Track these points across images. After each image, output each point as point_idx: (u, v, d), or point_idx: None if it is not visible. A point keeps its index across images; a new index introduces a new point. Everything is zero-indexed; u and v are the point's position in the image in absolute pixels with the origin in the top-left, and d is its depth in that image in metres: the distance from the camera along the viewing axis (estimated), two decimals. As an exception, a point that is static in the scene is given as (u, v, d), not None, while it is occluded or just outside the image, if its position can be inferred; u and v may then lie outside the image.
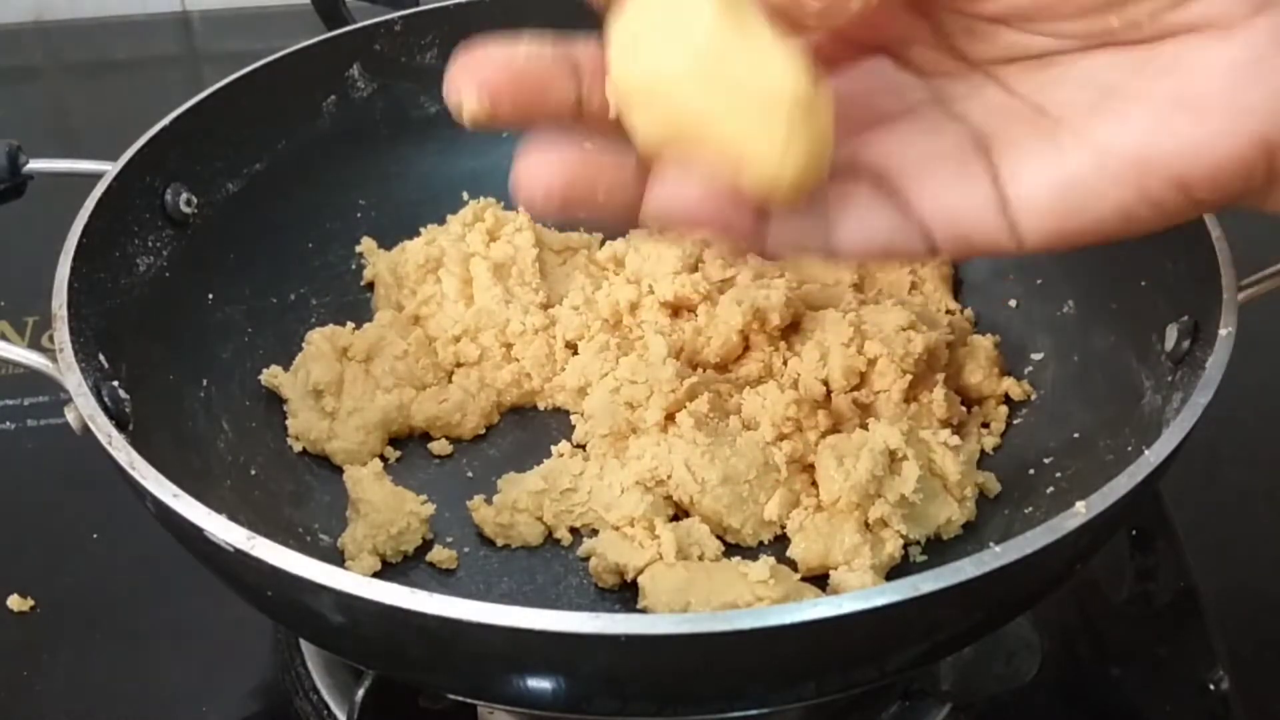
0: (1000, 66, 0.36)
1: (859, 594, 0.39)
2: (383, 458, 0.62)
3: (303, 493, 0.60)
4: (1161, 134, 0.33)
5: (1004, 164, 0.35)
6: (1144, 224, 0.34)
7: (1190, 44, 0.33)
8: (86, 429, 0.47)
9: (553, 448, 0.62)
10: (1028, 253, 0.36)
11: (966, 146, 0.36)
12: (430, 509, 0.58)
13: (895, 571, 0.56)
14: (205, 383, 0.61)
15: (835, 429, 0.60)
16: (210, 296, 0.64)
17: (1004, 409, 0.63)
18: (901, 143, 0.36)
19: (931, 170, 0.36)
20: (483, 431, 0.64)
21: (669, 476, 0.58)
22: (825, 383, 0.61)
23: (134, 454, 0.45)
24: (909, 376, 0.61)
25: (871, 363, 0.61)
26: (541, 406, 0.65)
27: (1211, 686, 0.58)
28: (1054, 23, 0.34)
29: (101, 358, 0.53)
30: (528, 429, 0.65)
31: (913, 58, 0.37)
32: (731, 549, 0.58)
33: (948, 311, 0.67)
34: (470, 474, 0.62)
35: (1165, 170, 0.33)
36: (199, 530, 0.43)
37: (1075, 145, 0.34)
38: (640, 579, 0.55)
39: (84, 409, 0.47)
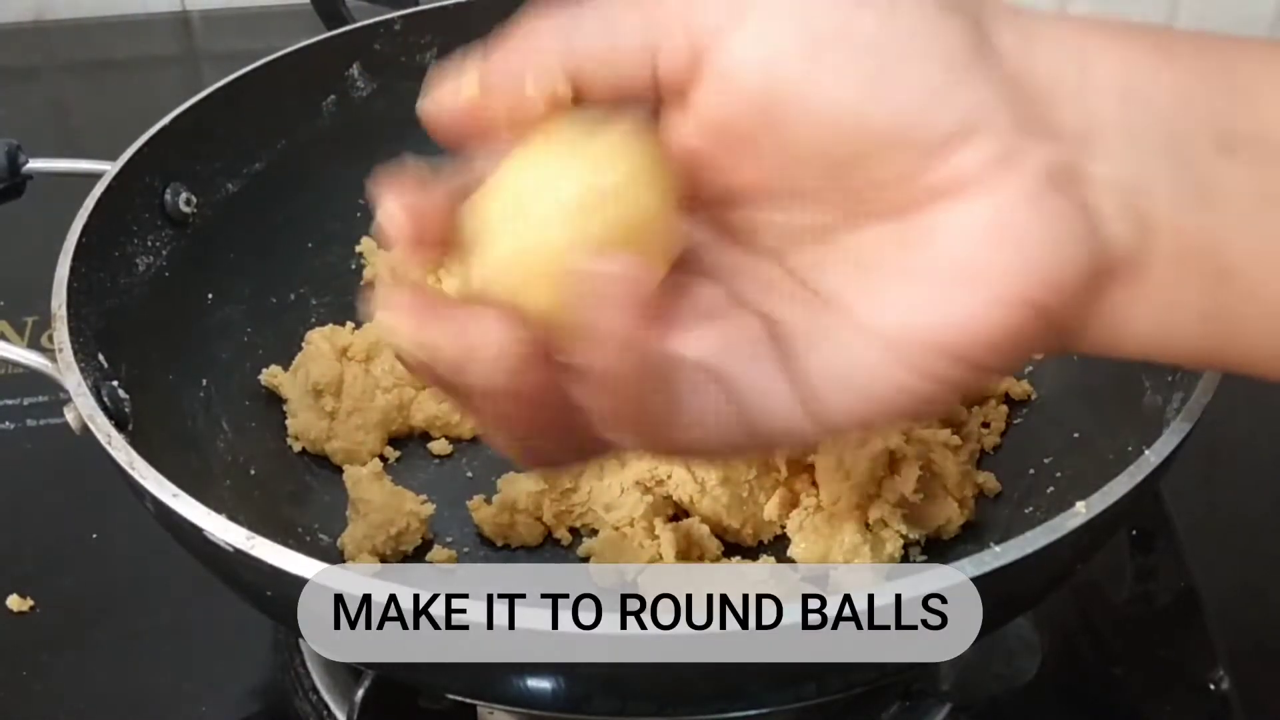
0: (781, 249, 0.35)
1: (859, 594, 0.39)
2: (382, 458, 0.62)
3: (302, 493, 0.60)
4: (923, 310, 0.32)
5: (794, 355, 0.34)
6: (935, 400, 0.33)
7: (942, 210, 0.31)
8: (86, 429, 0.47)
9: (553, 448, 0.62)
10: (841, 434, 0.35)
11: (760, 336, 0.34)
12: (430, 509, 0.58)
13: (896, 572, 0.56)
14: (205, 382, 0.61)
15: (835, 429, 0.60)
16: (210, 296, 0.64)
17: (1004, 409, 0.63)
18: (705, 339, 0.34)
19: (744, 368, 0.34)
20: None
21: (669, 476, 0.58)
22: (825, 383, 0.61)
23: (133, 454, 0.45)
24: (909, 376, 0.61)
25: (871, 363, 0.61)
26: (541, 406, 0.65)
27: (1212, 686, 0.57)
28: (800, 197, 0.33)
29: (101, 357, 0.53)
30: (528, 429, 0.64)
31: (704, 256, 0.36)
32: (731, 549, 0.57)
33: (948, 311, 0.67)
34: (470, 474, 0.62)
35: (934, 347, 0.32)
36: (198, 530, 0.43)
37: (846, 328, 0.33)
38: (640, 579, 0.55)
39: (83, 409, 0.47)
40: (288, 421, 0.63)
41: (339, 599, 0.40)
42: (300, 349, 0.65)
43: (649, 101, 0.34)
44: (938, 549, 0.57)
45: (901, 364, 0.32)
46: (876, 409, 0.33)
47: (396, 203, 0.35)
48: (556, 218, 0.32)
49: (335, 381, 0.63)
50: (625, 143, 0.33)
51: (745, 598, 0.52)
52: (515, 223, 0.33)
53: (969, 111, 0.31)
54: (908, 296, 0.32)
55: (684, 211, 0.34)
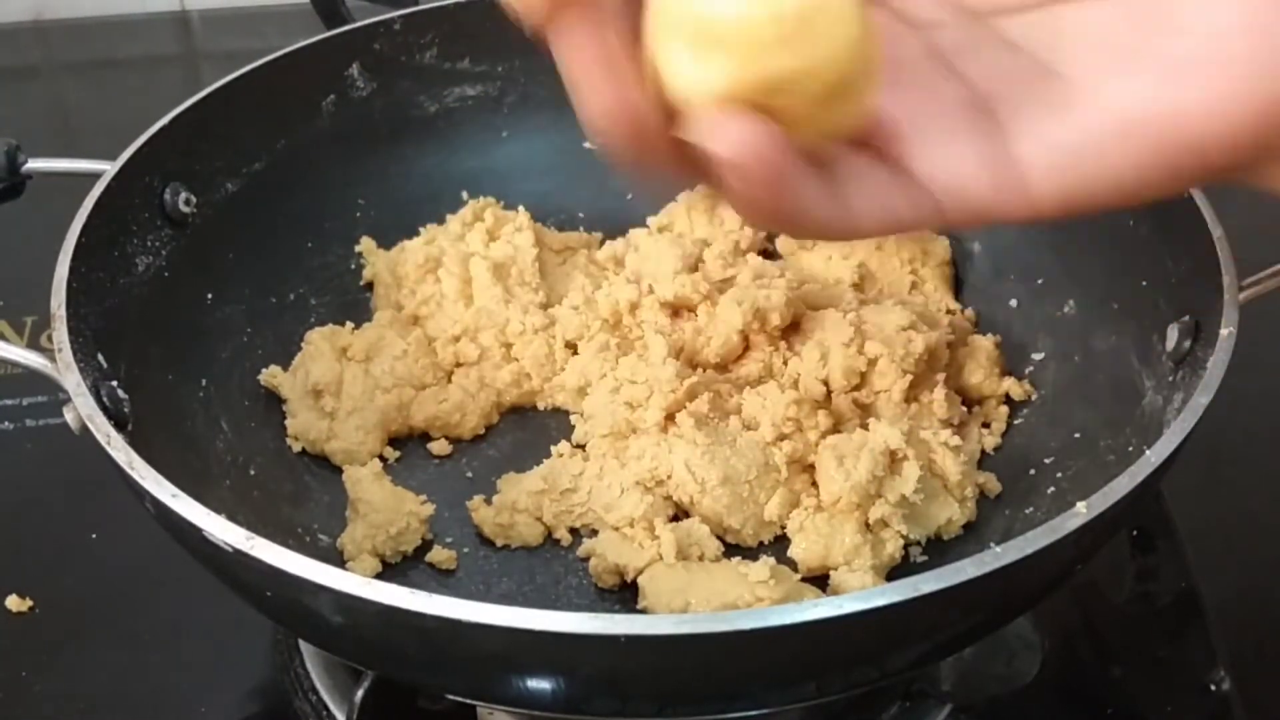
0: (1000, 17, 0.34)
1: (859, 594, 0.39)
2: (382, 458, 0.62)
3: (302, 493, 0.60)
4: (1177, 95, 0.31)
5: (1011, 124, 0.33)
6: (1158, 188, 0.33)
7: (1200, 2, 0.31)
8: (85, 429, 0.47)
9: (552, 448, 0.62)
10: (1041, 218, 0.34)
11: (969, 105, 0.34)
12: (430, 509, 0.58)
13: (896, 572, 0.56)
14: (204, 382, 0.61)
15: (835, 429, 0.60)
16: (209, 296, 0.64)
17: (1004, 409, 0.63)
18: (899, 103, 0.34)
19: (933, 132, 0.34)
20: (482, 431, 0.64)
21: (669, 477, 0.58)
22: (825, 383, 0.61)
23: (133, 454, 0.45)
24: (909, 376, 0.61)
25: (872, 363, 0.61)
26: (541, 406, 0.65)
27: (1212, 687, 0.57)
28: None
29: (100, 358, 0.53)
30: (527, 429, 0.65)
31: (906, 5, 0.36)
32: (731, 549, 0.57)
33: (948, 311, 0.67)
34: (470, 474, 0.62)
35: (1181, 133, 0.32)
36: (198, 530, 0.43)
37: (1088, 106, 0.32)
38: (640, 579, 0.55)
39: (83, 409, 0.47)
40: (287, 422, 0.63)
41: (338, 599, 0.40)
42: (300, 349, 0.65)
43: None
44: (938, 549, 0.57)
45: (1141, 146, 0.32)
46: (1100, 189, 0.33)
47: None
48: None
49: (335, 381, 0.63)
50: None
51: (745, 598, 0.52)
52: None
53: None
54: (1150, 77, 0.32)
55: None
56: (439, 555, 0.57)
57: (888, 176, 0.34)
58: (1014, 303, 0.67)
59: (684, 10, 0.32)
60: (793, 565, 0.56)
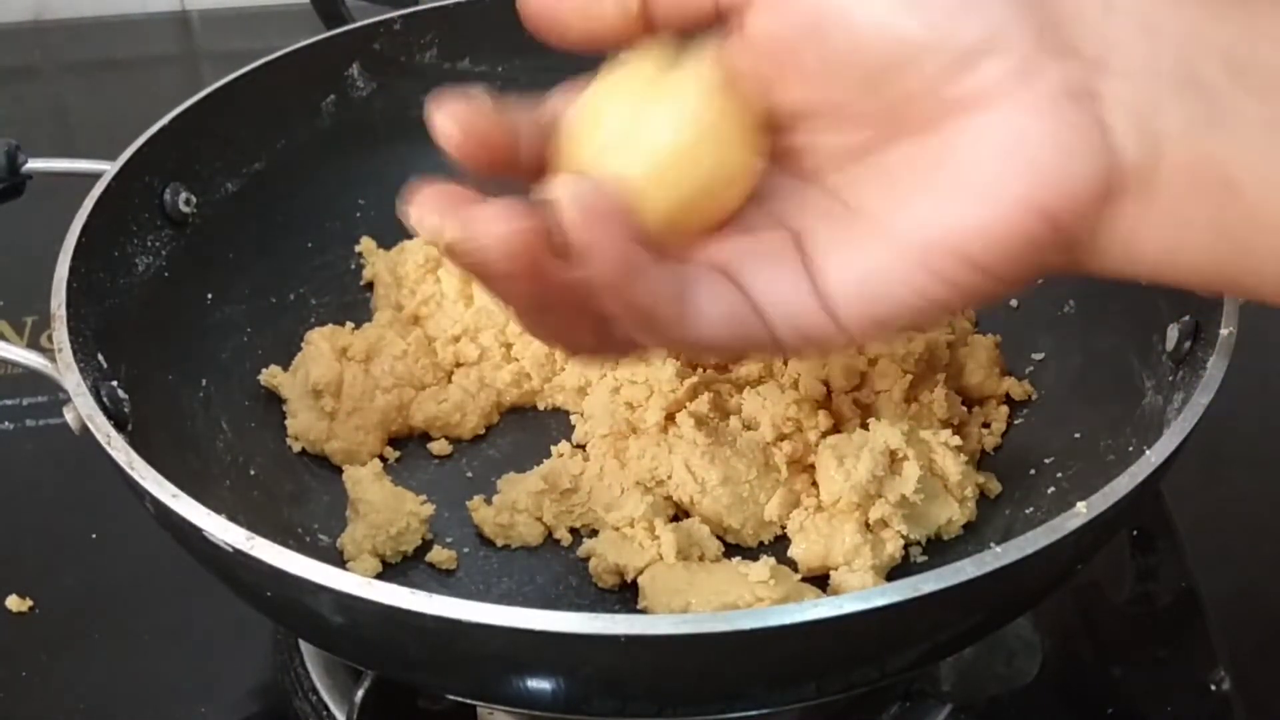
0: (821, 170, 0.37)
1: (859, 594, 0.39)
2: (382, 458, 0.62)
3: (302, 493, 0.60)
4: (941, 217, 0.34)
5: (814, 258, 0.37)
6: (951, 303, 0.35)
7: (965, 123, 0.34)
8: (85, 429, 0.47)
9: (553, 448, 0.62)
10: (855, 343, 0.39)
11: (787, 247, 0.37)
12: (430, 509, 0.58)
13: (896, 572, 0.56)
14: (204, 382, 0.61)
15: (835, 429, 0.60)
16: (209, 296, 0.64)
17: (1005, 409, 0.63)
18: (731, 246, 0.38)
19: (759, 270, 0.37)
20: (482, 431, 0.64)
21: (669, 477, 0.58)
22: (825, 383, 0.61)
23: (133, 454, 0.45)
24: (909, 376, 0.61)
25: (872, 363, 0.61)
26: (541, 406, 0.65)
27: (1213, 687, 0.57)
28: (839, 115, 0.36)
29: (100, 358, 0.53)
30: (528, 429, 0.65)
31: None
32: (732, 549, 0.57)
33: (948, 311, 0.67)
34: (470, 474, 0.62)
35: (950, 251, 0.34)
36: (198, 530, 0.43)
37: (868, 235, 0.36)
38: (640, 579, 0.55)
39: (83, 409, 0.47)
40: (287, 422, 0.63)
41: (339, 599, 0.40)
42: (300, 349, 0.65)
43: (707, 29, 0.37)
44: (938, 549, 0.57)
45: (917, 266, 0.35)
46: (891, 311, 0.36)
47: (448, 116, 0.40)
48: (639, 161, 0.37)
49: (335, 382, 0.63)
50: (707, 84, 0.37)
51: (746, 598, 0.52)
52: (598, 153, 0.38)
53: (993, 27, 0.33)
54: (928, 204, 0.35)
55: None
56: (439, 555, 0.57)
57: (735, 293, 0.37)
58: (1014, 303, 0.67)
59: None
60: (793, 565, 0.56)
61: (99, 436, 0.46)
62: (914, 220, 0.35)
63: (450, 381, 0.65)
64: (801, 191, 0.38)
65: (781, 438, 0.59)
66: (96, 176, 0.58)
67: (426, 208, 0.38)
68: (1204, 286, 0.39)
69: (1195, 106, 0.33)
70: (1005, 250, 0.34)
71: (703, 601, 0.52)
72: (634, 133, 0.37)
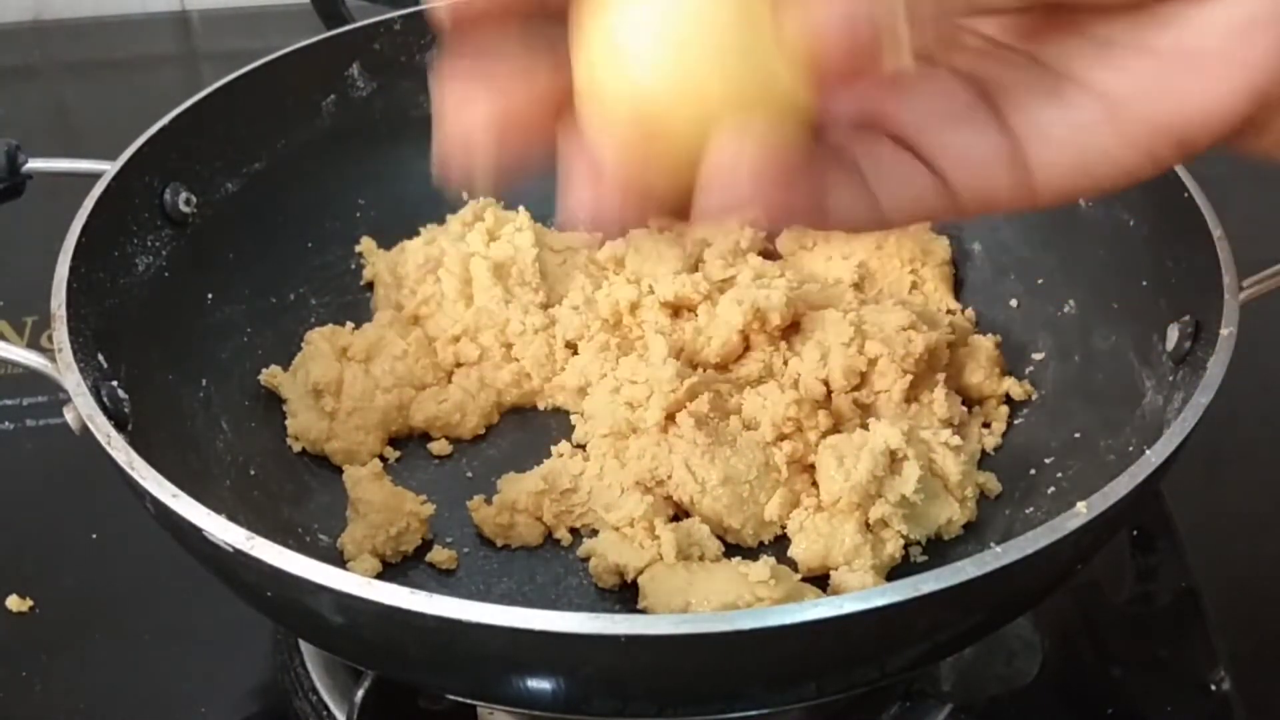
0: (988, 17, 0.36)
1: (859, 594, 0.39)
2: (382, 458, 0.62)
3: (302, 493, 0.60)
4: (1164, 87, 0.33)
5: (1014, 119, 0.35)
6: (1143, 175, 0.35)
7: (1188, 4, 0.33)
8: (85, 429, 0.47)
9: (553, 448, 0.62)
10: (1042, 207, 0.36)
11: (977, 103, 0.35)
12: (430, 509, 0.58)
13: (896, 572, 0.56)
14: (204, 382, 0.61)
15: (836, 429, 0.60)
16: (209, 296, 0.64)
17: (1005, 409, 0.63)
18: (913, 101, 0.35)
19: (948, 128, 0.35)
20: (482, 431, 0.64)
21: (669, 477, 0.58)
22: (825, 383, 0.61)
23: (133, 454, 0.45)
24: (909, 376, 0.61)
25: (872, 363, 0.61)
26: (541, 406, 0.65)
27: (1212, 687, 0.57)
28: None
29: (100, 358, 0.53)
30: (528, 429, 0.65)
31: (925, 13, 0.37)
32: (732, 549, 0.57)
33: (948, 311, 0.67)
34: (470, 474, 0.62)
35: (1164, 127, 0.33)
36: (198, 530, 0.43)
37: (1082, 99, 0.34)
38: (640, 579, 0.55)
39: (83, 409, 0.47)
40: (287, 422, 0.63)
41: (338, 599, 0.40)
42: (300, 349, 0.65)
43: None
44: (938, 549, 0.57)
45: (1134, 142, 0.34)
46: (1093, 183, 0.35)
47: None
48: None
49: (335, 382, 0.63)
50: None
51: (746, 598, 0.52)
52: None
53: None
54: (1146, 73, 0.33)
55: None
56: (439, 555, 0.57)
57: (910, 168, 0.35)
58: (1014, 303, 0.67)
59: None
60: (793, 565, 0.56)
61: (99, 436, 0.46)
62: (1127, 87, 0.33)
63: (450, 381, 0.65)
64: (985, 48, 0.35)
65: (781, 438, 0.59)
66: (96, 176, 0.58)
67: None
68: None
69: None
70: (1216, 130, 0.33)
71: (703, 601, 0.52)
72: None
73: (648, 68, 0.32)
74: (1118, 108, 0.34)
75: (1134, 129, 0.34)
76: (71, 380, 0.48)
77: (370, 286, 0.70)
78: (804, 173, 0.33)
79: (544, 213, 0.73)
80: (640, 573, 0.55)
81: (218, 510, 0.43)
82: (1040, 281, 0.66)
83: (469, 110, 0.34)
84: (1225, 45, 0.32)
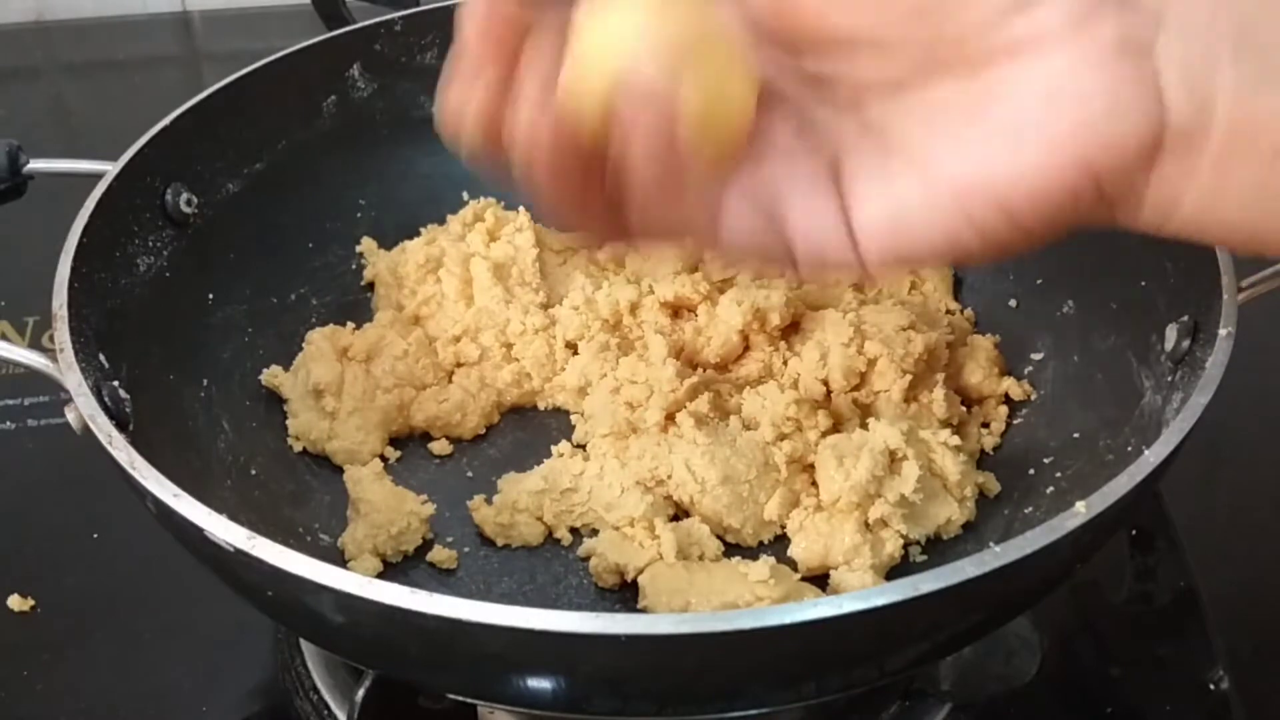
0: (858, 101, 0.36)
1: (859, 594, 0.39)
2: (383, 458, 0.62)
3: (303, 493, 0.60)
4: (983, 162, 0.34)
5: (848, 189, 0.36)
6: (974, 251, 0.35)
7: (1014, 67, 0.33)
8: (87, 429, 0.47)
9: (553, 448, 0.62)
10: (871, 274, 0.37)
11: (821, 172, 0.37)
12: (430, 509, 0.58)
13: (895, 571, 0.56)
14: (205, 383, 0.61)
15: (835, 429, 0.60)
16: (210, 296, 0.64)
17: (1004, 409, 0.63)
18: (769, 168, 0.37)
19: (790, 194, 0.37)
20: (483, 431, 0.64)
21: (669, 476, 0.58)
22: (825, 383, 0.61)
23: (134, 454, 0.45)
24: (909, 376, 0.61)
25: (871, 363, 0.61)
26: (541, 406, 0.65)
27: (1211, 686, 0.58)
28: (882, 47, 0.34)
29: (102, 358, 0.53)
30: (528, 429, 0.65)
31: (783, 102, 0.38)
32: (731, 549, 0.58)
33: (948, 311, 0.67)
34: (470, 474, 0.62)
35: (987, 197, 0.34)
36: (199, 530, 0.43)
37: (905, 172, 0.35)
38: (640, 579, 0.55)
39: (84, 409, 0.47)
40: (288, 422, 0.63)
41: (339, 599, 0.40)
42: (300, 349, 0.65)
43: None
44: (938, 549, 0.57)
45: (951, 209, 0.34)
46: (913, 250, 0.36)
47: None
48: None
49: (336, 382, 0.63)
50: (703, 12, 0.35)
51: (745, 597, 0.52)
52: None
53: None
54: (968, 147, 0.34)
55: (771, 60, 0.36)
56: (440, 555, 0.57)
57: (757, 214, 0.37)
58: (1013, 302, 0.67)
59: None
60: (793, 565, 0.56)
61: (100, 436, 0.46)
62: (953, 162, 0.34)
63: (451, 381, 0.65)
64: (839, 120, 0.37)
65: (781, 438, 0.59)
66: (98, 177, 0.58)
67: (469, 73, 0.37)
68: (1234, 244, 0.38)
69: (1250, 67, 0.32)
70: (1043, 202, 0.33)
71: (703, 601, 0.52)
72: (643, 31, 0.35)
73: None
74: (931, 175, 0.34)
75: (945, 194, 0.34)
76: (73, 380, 0.49)
77: (371, 287, 0.70)
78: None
79: (544, 213, 0.73)
80: (640, 572, 0.55)
81: (219, 510, 0.43)
82: (1039, 281, 0.66)
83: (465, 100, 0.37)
84: (1040, 115, 0.33)
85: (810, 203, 0.37)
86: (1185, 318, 0.53)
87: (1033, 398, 0.64)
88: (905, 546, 0.56)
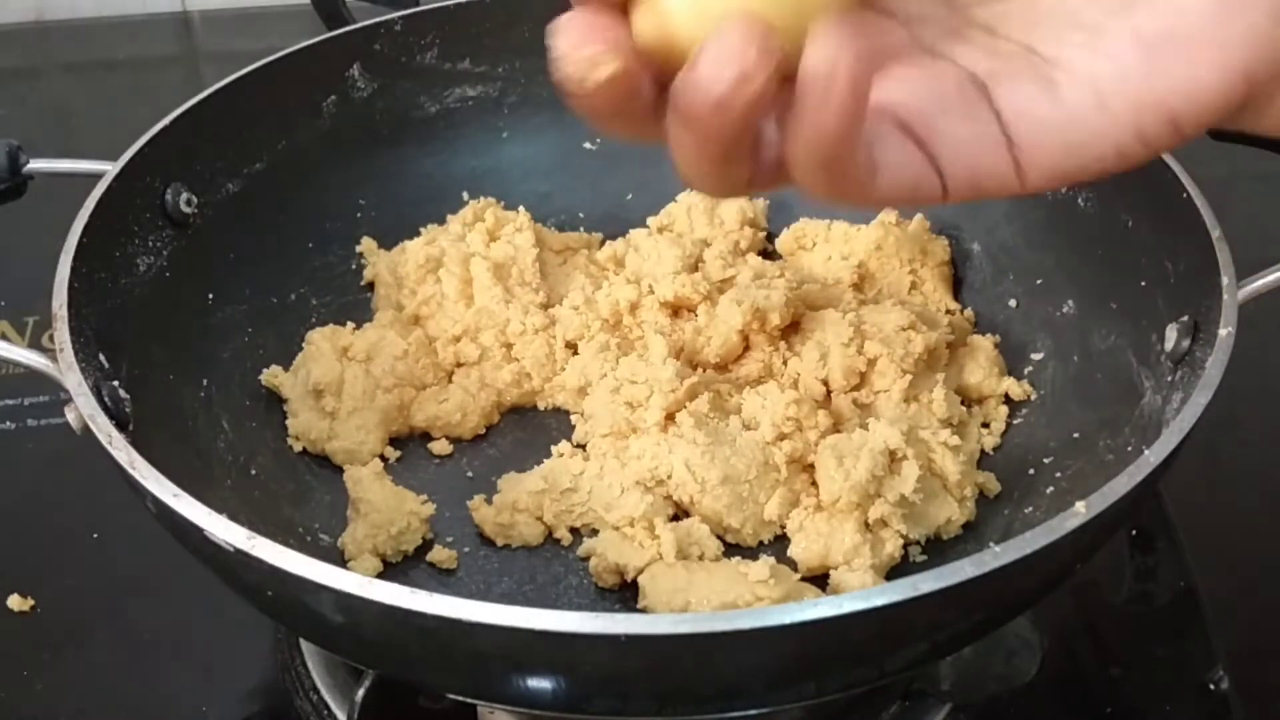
0: (977, 7, 0.36)
1: (859, 594, 0.39)
2: (383, 457, 0.62)
3: (303, 493, 0.60)
4: (1154, 73, 0.33)
5: (1005, 105, 0.35)
6: (1134, 160, 0.35)
7: None
8: (87, 429, 0.47)
9: (553, 448, 0.62)
10: (1029, 192, 0.36)
11: (968, 88, 0.35)
12: (430, 509, 0.58)
13: (895, 571, 0.56)
14: (205, 383, 0.61)
15: (835, 429, 0.60)
16: (210, 296, 0.64)
17: (1004, 409, 0.63)
18: (907, 86, 0.35)
19: (941, 113, 0.35)
20: (483, 431, 0.64)
21: (669, 476, 0.58)
22: (825, 383, 0.61)
23: (134, 454, 0.45)
24: (909, 376, 0.61)
25: (871, 363, 0.61)
26: (541, 406, 0.65)
27: (1211, 687, 0.58)
28: None
29: (101, 358, 0.53)
30: (528, 429, 0.65)
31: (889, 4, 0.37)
32: (731, 549, 0.58)
33: (948, 311, 0.67)
34: (470, 474, 0.62)
35: (1160, 110, 0.33)
36: (199, 530, 0.43)
37: (1072, 85, 0.34)
38: (640, 579, 0.55)
39: (84, 409, 0.47)
40: (288, 421, 0.63)
41: (339, 599, 0.40)
42: (300, 349, 0.65)
43: None
44: (938, 549, 0.57)
45: (1121, 123, 0.34)
46: (1082, 165, 0.35)
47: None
48: None
49: (336, 381, 0.63)
50: None
51: (745, 597, 0.52)
52: None
53: None
54: (1137, 58, 0.33)
55: None
56: (440, 555, 0.57)
57: (907, 151, 0.35)
58: (1013, 303, 0.67)
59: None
60: (792, 565, 0.56)
61: (100, 436, 0.46)
62: (1123, 74, 0.33)
63: (451, 381, 0.65)
64: (970, 33, 0.35)
65: (781, 437, 0.59)
66: (98, 177, 0.58)
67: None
68: None
69: None
70: (1206, 111, 0.33)
71: (702, 601, 0.52)
72: None
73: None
74: (1104, 90, 0.34)
75: (1120, 110, 0.34)
76: (73, 380, 0.49)
77: (371, 287, 0.70)
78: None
79: (544, 213, 0.73)
80: (640, 572, 0.55)
81: (219, 510, 0.43)
82: (1039, 282, 0.66)
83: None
84: (1204, 27, 0.33)
85: (964, 124, 0.35)
86: (1185, 318, 0.53)
87: (1032, 398, 0.64)
88: (905, 546, 0.56)
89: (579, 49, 0.32)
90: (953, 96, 0.35)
